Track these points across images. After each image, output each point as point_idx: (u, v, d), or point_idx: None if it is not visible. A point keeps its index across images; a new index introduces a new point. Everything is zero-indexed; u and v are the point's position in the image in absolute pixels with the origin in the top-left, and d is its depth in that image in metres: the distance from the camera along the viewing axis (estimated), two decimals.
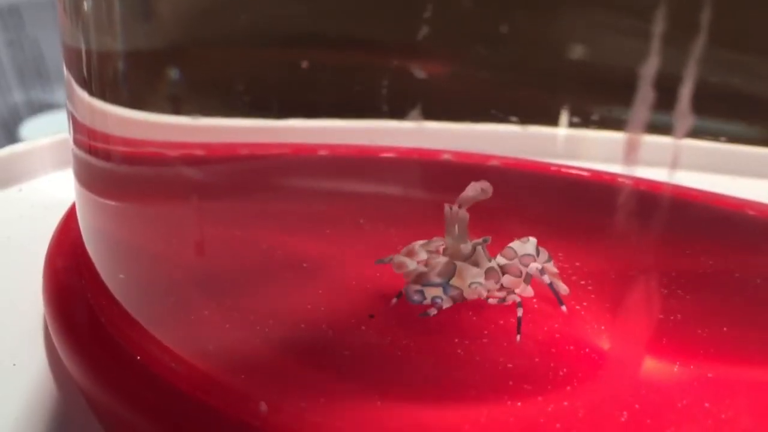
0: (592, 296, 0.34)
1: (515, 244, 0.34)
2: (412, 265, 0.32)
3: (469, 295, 0.31)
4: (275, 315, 0.32)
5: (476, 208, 0.34)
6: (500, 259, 0.33)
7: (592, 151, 0.51)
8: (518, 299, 0.32)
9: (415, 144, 0.51)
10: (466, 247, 0.32)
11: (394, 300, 0.33)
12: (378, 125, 0.54)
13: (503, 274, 0.33)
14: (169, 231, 0.36)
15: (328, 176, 0.49)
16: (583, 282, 0.35)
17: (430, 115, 0.53)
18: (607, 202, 0.39)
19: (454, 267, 0.31)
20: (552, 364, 0.29)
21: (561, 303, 0.33)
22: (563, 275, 0.35)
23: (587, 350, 0.30)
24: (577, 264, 0.36)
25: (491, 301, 0.32)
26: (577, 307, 0.33)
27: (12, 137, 1.29)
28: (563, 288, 0.34)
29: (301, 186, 0.47)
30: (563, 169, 0.48)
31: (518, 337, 0.31)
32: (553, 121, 0.50)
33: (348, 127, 0.54)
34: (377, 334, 0.30)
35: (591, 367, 0.29)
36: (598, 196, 0.43)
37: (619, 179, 0.43)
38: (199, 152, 0.44)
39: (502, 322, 0.32)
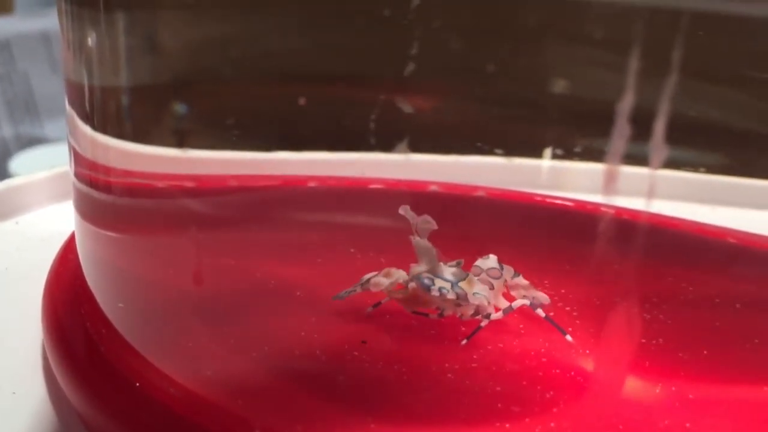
0: (577, 322, 0.35)
1: (479, 262, 0.35)
2: (385, 282, 0.33)
3: (471, 300, 0.32)
4: (270, 341, 0.32)
5: (462, 237, 0.35)
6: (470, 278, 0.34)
7: (575, 182, 0.52)
8: (489, 310, 0.33)
9: (402, 176, 0.52)
10: (444, 269, 0.33)
11: (370, 309, 0.34)
12: (367, 158, 0.55)
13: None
14: (167, 260, 0.37)
15: (319, 207, 0.50)
16: (568, 308, 0.36)
17: (417, 147, 0.55)
18: (590, 231, 0.40)
19: (467, 275, 0.33)
20: (539, 387, 0.30)
21: (564, 333, 0.34)
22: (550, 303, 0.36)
23: (572, 373, 0.31)
24: (563, 291, 0.37)
25: (464, 318, 0.33)
26: (564, 332, 0.34)
27: (1, 172, 1.29)
28: (543, 297, 0.35)
29: (293, 217, 0.48)
30: (548, 200, 0.49)
31: (464, 341, 0.32)
32: (537, 153, 0.51)
33: (337, 160, 0.55)
34: (370, 359, 0.31)
35: (577, 390, 0.30)
36: (582, 225, 0.44)
37: (602, 208, 0.44)
38: (195, 184, 0.45)
39: (490, 347, 0.33)
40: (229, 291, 0.37)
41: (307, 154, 0.57)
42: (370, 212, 0.48)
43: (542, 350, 0.33)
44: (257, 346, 0.32)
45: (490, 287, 0.34)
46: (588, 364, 0.32)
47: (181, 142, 0.46)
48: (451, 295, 0.32)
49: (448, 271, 0.33)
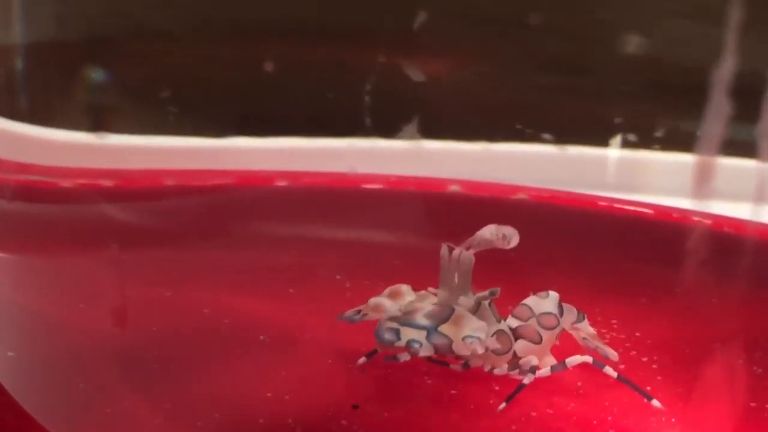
0: (659, 378, 0.35)
1: (530, 301, 0.35)
2: (392, 308, 0.33)
3: (460, 349, 0.32)
4: (223, 407, 0.32)
5: (492, 257, 0.35)
6: (512, 321, 0.34)
7: (655, 180, 0.52)
8: (534, 362, 0.33)
9: (411, 171, 0.52)
10: (466, 301, 0.33)
11: (362, 359, 0.34)
12: (359, 146, 0.55)
13: (516, 338, 0.34)
14: (76, 291, 0.37)
15: (292, 216, 0.49)
16: (645, 359, 0.36)
17: (431, 131, 0.54)
18: (675, 249, 0.40)
19: (450, 312, 0.32)
20: None
21: (648, 398, 0.33)
22: (618, 347, 0.36)
23: None
24: (638, 334, 0.37)
25: (497, 371, 0.33)
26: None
27: None
28: (611, 354, 0.35)
29: (255, 229, 0.48)
30: (616, 205, 0.49)
31: (503, 405, 0.32)
32: (601, 139, 0.51)
33: (318, 149, 0.55)
34: (363, 430, 0.31)
35: None
36: (664, 241, 0.44)
37: (692, 217, 0.44)
38: (114, 182, 0.45)
39: (534, 414, 0.33)
40: (165, 334, 0.36)
41: (275, 140, 0.56)
42: (365, 223, 0.48)
43: (609, 418, 0.32)
44: (204, 413, 0.32)
45: (534, 339, 0.34)
46: None
47: (96, 124, 0.46)
48: (425, 351, 0.32)
49: (422, 311, 0.32)
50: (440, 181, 0.51)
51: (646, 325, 0.38)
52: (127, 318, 0.37)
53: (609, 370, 0.34)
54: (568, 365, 0.34)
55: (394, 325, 0.32)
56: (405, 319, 0.32)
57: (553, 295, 0.35)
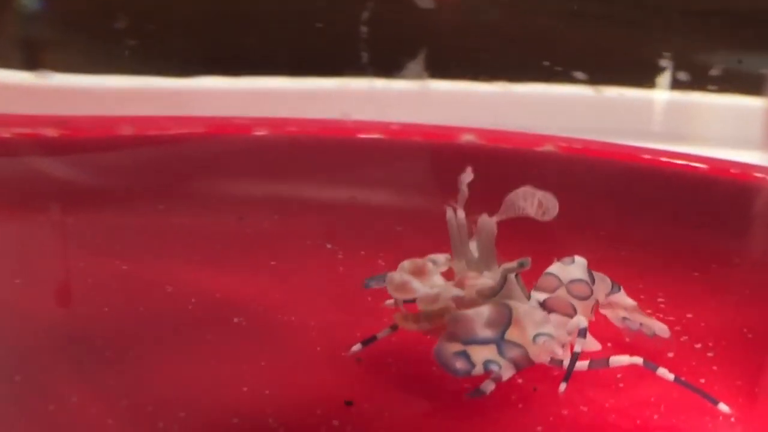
0: (715, 368, 0.35)
1: (555, 268, 0.35)
2: (421, 289, 0.32)
3: (537, 356, 0.32)
4: (191, 403, 0.32)
5: (513, 221, 0.34)
6: (537, 294, 0.34)
7: (710, 128, 0.52)
8: (583, 323, 0.33)
9: (416, 118, 0.52)
10: (492, 276, 0.32)
11: (357, 347, 0.34)
12: (354, 87, 0.55)
13: (548, 313, 0.33)
14: (11, 263, 0.37)
15: (273, 172, 0.49)
16: (698, 345, 0.36)
17: (439, 68, 0.54)
18: (736, 213, 0.40)
19: (510, 312, 0.32)
20: None
21: (714, 401, 0.33)
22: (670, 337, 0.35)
23: None
24: (689, 316, 0.37)
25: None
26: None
27: None
28: (661, 329, 0.35)
29: (228, 189, 0.48)
30: (663, 159, 0.49)
31: (563, 386, 0.32)
32: (645, 78, 0.51)
33: (304, 91, 0.54)
34: None
35: None
36: (722, 203, 0.44)
37: (755, 173, 0.44)
38: (59, 132, 0.44)
39: (565, 413, 0.32)
40: (119, 317, 0.36)
41: (252, 80, 0.56)
42: (360, 180, 0.48)
43: (655, 417, 0.32)
44: (167, 410, 0.31)
45: (569, 312, 0.33)
46: None
47: (35, 61, 0.46)
48: (507, 372, 0.31)
49: (481, 318, 0.32)
50: (451, 129, 0.50)
51: (700, 305, 0.38)
52: (74, 297, 0.36)
53: (664, 373, 0.33)
54: (611, 365, 0.33)
55: (458, 347, 0.31)
56: (465, 335, 0.31)
57: (580, 260, 0.35)
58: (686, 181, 0.47)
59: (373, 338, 0.34)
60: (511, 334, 0.32)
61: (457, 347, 0.31)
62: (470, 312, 0.32)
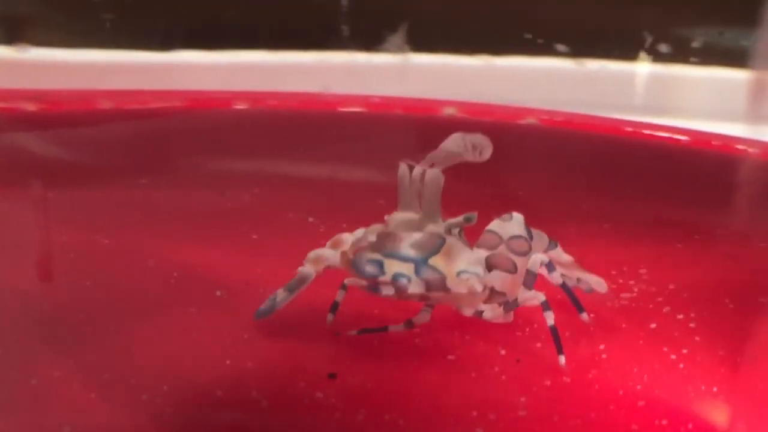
0: (697, 338, 0.35)
1: (495, 226, 0.35)
2: (333, 256, 0.33)
3: (455, 286, 0.32)
4: (173, 377, 0.32)
5: (497, 194, 0.34)
6: (479, 252, 0.34)
7: (693, 101, 0.52)
8: (541, 298, 0.33)
9: (398, 92, 0.52)
10: (435, 229, 0.33)
11: (330, 317, 0.34)
12: (334, 60, 0.54)
13: (489, 270, 0.34)
14: None
15: (253, 146, 0.49)
16: (680, 316, 0.36)
17: (421, 41, 0.54)
18: (718, 184, 0.39)
19: (442, 242, 0.32)
20: None
21: (580, 310, 0.34)
22: (647, 299, 0.35)
23: (690, 426, 0.31)
24: (672, 286, 0.37)
25: (487, 315, 0.33)
26: (673, 356, 0.34)
27: None
28: (598, 283, 0.35)
29: (208, 163, 0.48)
30: (644, 131, 0.49)
31: (562, 359, 0.33)
32: (627, 50, 0.50)
33: (284, 65, 0.54)
34: (342, 405, 0.31)
35: None
36: (705, 175, 0.44)
37: (736, 145, 0.44)
38: (37, 106, 0.44)
39: (548, 382, 0.32)
40: (100, 290, 0.36)
41: (232, 54, 0.56)
42: (341, 154, 0.48)
43: (638, 387, 0.32)
44: (150, 383, 0.31)
45: (509, 268, 0.34)
46: (716, 412, 0.32)
47: (11, 35, 0.45)
48: (415, 288, 0.32)
49: (409, 239, 0.32)
50: (433, 102, 0.50)
51: (683, 276, 0.38)
52: (55, 271, 0.36)
53: (549, 316, 0.33)
54: (520, 304, 0.34)
55: (377, 256, 0.32)
56: (389, 249, 0.32)
57: (518, 216, 0.35)
58: (668, 153, 0.48)
59: (385, 329, 0.34)
60: (436, 260, 0.32)
61: (375, 256, 0.32)
62: (400, 232, 0.32)
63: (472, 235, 0.34)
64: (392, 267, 0.32)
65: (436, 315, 0.34)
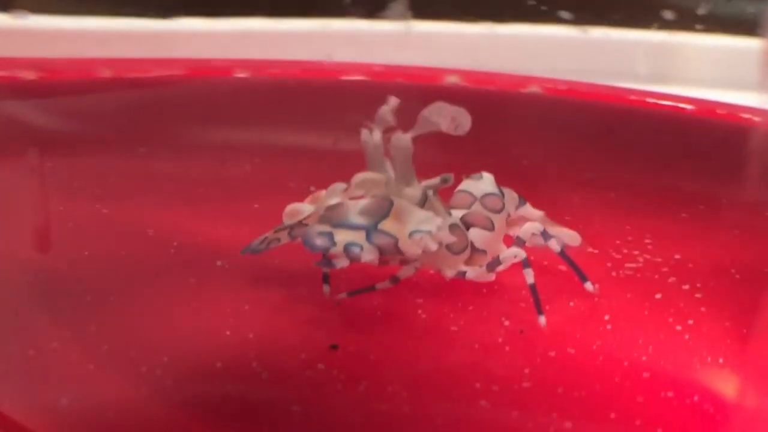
0: (703, 309, 0.35)
1: (466, 185, 0.35)
2: (309, 210, 0.33)
3: (408, 248, 0.32)
4: (173, 348, 0.32)
5: (500, 164, 0.34)
6: (454, 212, 0.34)
7: (698, 70, 0.51)
8: (522, 255, 0.33)
9: (400, 60, 0.51)
10: (411, 192, 0.33)
11: (326, 288, 0.34)
12: (336, 28, 0.54)
13: (466, 228, 0.34)
14: None
15: (254, 115, 0.49)
16: (686, 286, 0.36)
17: (423, 9, 0.54)
18: (725, 154, 0.39)
19: (390, 205, 0.32)
20: (638, 423, 0.30)
21: (584, 279, 0.34)
22: (653, 273, 0.35)
23: (696, 398, 0.31)
24: (677, 257, 0.37)
25: (449, 273, 0.34)
26: (678, 327, 0.34)
27: None
28: (571, 237, 0.36)
29: (209, 132, 0.47)
30: (649, 99, 0.48)
31: (542, 319, 0.33)
32: (631, 17, 0.50)
33: (286, 32, 0.54)
34: (345, 377, 0.31)
35: (704, 429, 0.30)
36: (710, 144, 0.44)
37: (742, 114, 0.43)
38: (36, 74, 0.44)
39: (553, 353, 0.32)
40: (100, 260, 0.36)
41: (233, 22, 0.55)
42: (343, 123, 0.48)
43: (643, 359, 0.32)
44: (150, 355, 0.31)
45: (487, 226, 0.34)
46: (723, 384, 0.31)
47: (10, 1, 0.45)
48: (368, 255, 0.31)
49: (356, 207, 0.32)
50: (435, 71, 0.50)
51: (688, 246, 0.38)
52: (53, 241, 0.36)
53: (528, 274, 0.33)
54: (502, 262, 0.34)
55: (326, 228, 0.32)
56: (336, 219, 0.32)
57: (488, 175, 0.36)
58: (673, 122, 0.47)
59: (372, 288, 0.34)
60: (386, 225, 0.32)
61: (324, 228, 0.32)
62: (347, 201, 0.32)
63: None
64: (342, 236, 0.32)
65: (440, 288, 0.34)
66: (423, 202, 0.33)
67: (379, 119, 0.32)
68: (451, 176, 0.33)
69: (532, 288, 0.33)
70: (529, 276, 0.33)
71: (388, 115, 0.32)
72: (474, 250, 0.34)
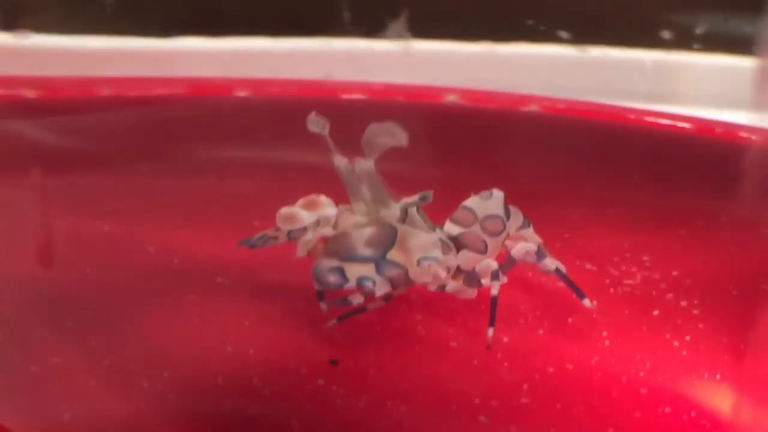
0: (700, 326, 0.35)
1: (473, 202, 0.35)
2: (308, 218, 0.33)
3: (419, 277, 0.32)
4: (174, 364, 0.32)
5: (501, 179, 0.34)
6: (451, 227, 0.34)
7: (696, 88, 0.51)
8: (493, 266, 0.33)
9: (400, 78, 0.52)
10: (389, 214, 0.33)
11: (323, 305, 0.34)
12: (336, 47, 0.54)
13: (458, 249, 0.34)
14: None
15: (254, 134, 0.49)
16: (684, 302, 0.36)
17: (422, 28, 0.54)
18: (723, 172, 0.39)
19: (394, 233, 0.32)
20: None
21: (581, 296, 0.34)
22: (650, 286, 0.36)
23: (694, 414, 0.31)
24: (675, 273, 0.37)
25: (449, 288, 0.34)
26: (676, 343, 0.34)
27: None
28: (551, 263, 0.35)
29: (209, 150, 0.47)
30: (647, 118, 0.49)
31: (490, 331, 0.33)
32: (631, 38, 0.50)
33: (285, 51, 0.54)
34: (345, 392, 0.31)
35: None
36: (708, 162, 0.44)
37: (740, 133, 0.43)
38: (36, 93, 0.44)
39: (551, 369, 0.32)
40: (101, 277, 0.36)
41: (233, 41, 0.55)
42: (342, 141, 0.48)
43: (641, 375, 0.32)
44: (151, 371, 0.31)
45: (479, 249, 0.34)
46: (720, 400, 0.32)
47: (11, 21, 0.45)
48: (382, 289, 0.32)
49: (362, 237, 0.32)
50: (434, 90, 0.50)
51: (686, 263, 0.38)
52: (56, 258, 0.36)
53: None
54: (478, 272, 0.33)
55: (335, 263, 0.32)
56: (344, 251, 0.32)
57: (498, 194, 0.35)
58: (671, 140, 0.47)
59: (363, 309, 0.34)
60: (394, 254, 0.32)
61: (333, 263, 0.32)
62: (352, 231, 0.32)
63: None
64: (353, 271, 0.32)
65: (438, 303, 0.34)
66: (403, 219, 0.33)
67: (330, 144, 0.33)
68: (430, 194, 0.33)
69: (493, 300, 0.33)
70: (495, 288, 0.33)
71: (316, 127, 0.33)
72: (458, 269, 0.34)
